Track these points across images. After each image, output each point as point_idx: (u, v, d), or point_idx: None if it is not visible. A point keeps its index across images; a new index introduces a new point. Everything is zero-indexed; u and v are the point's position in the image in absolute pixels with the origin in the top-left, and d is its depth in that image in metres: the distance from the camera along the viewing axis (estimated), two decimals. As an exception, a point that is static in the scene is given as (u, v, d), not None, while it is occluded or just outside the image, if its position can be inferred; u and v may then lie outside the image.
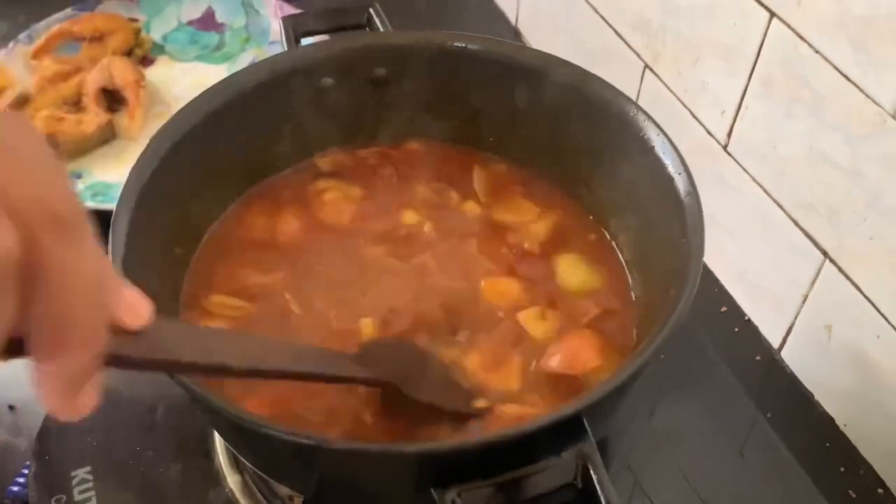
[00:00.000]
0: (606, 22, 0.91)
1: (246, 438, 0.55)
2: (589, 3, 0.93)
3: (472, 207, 0.70)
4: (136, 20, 1.08)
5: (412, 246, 0.67)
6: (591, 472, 0.46)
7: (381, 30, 0.71)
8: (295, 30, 0.70)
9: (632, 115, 0.62)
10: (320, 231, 0.69)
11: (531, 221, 0.69)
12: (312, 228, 0.69)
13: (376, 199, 0.71)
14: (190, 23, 1.09)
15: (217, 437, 0.68)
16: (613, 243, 0.68)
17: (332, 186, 0.71)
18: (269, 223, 0.69)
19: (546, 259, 0.67)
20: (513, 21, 1.12)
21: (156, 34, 1.08)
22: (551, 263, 0.66)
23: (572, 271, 0.66)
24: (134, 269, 0.55)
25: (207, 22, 1.09)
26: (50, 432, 0.68)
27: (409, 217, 0.69)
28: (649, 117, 0.61)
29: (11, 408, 0.76)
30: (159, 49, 1.07)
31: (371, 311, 0.62)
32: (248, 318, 0.62)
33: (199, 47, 1.07)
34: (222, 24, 1.08)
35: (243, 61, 1.03)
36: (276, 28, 1.03)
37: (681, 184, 0.58)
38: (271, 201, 0.70)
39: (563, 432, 0.47)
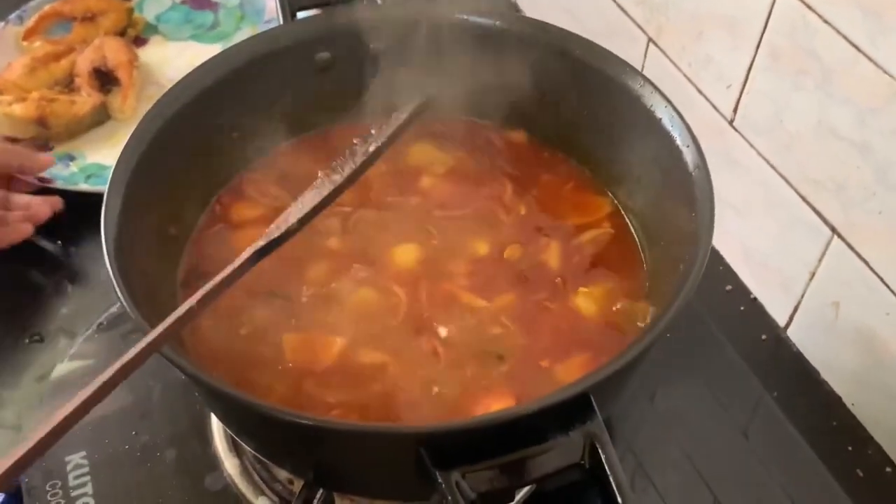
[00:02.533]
0: (608, -5, 0.89)
1: (245, 421, 0.54)
2: (590, -24, 0.91)
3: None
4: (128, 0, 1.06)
5: (428, 211, 0.67)
6: (600, 451, 0.45)
7: (378, 2, 0.70)
8: (290, 4, 0.69)
9: (638, 87, 0.61)
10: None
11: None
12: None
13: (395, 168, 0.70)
14: (183, 2, 1.07)
15: (214, 421, 0.67)
16: (625, 216, 0.67)
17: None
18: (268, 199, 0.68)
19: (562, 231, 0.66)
20: (512, -3, 1.10)
21: (149, 14, 1.06)
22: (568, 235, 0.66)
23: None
24: (127, 249, 0.54)
25: (201, 1, 1.07)
26: (45, 417, 0.67)
27: (426, 184, 0.69)
28: (656, 89, 0.60)
29: (8, 395, 0.74)
30: (152, 29, 1.05)
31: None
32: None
33: (194, 27, 1.05)
34: (216, 3, 1.07)
35: (238, 40, 1.00)
36: (271, 6, 1.01)
37: (689, 156, 0.57)
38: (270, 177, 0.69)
39: (571, 411, 0.46)
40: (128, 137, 0.58)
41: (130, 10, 1.05)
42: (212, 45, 1.02)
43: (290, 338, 0.59)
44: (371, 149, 0.59)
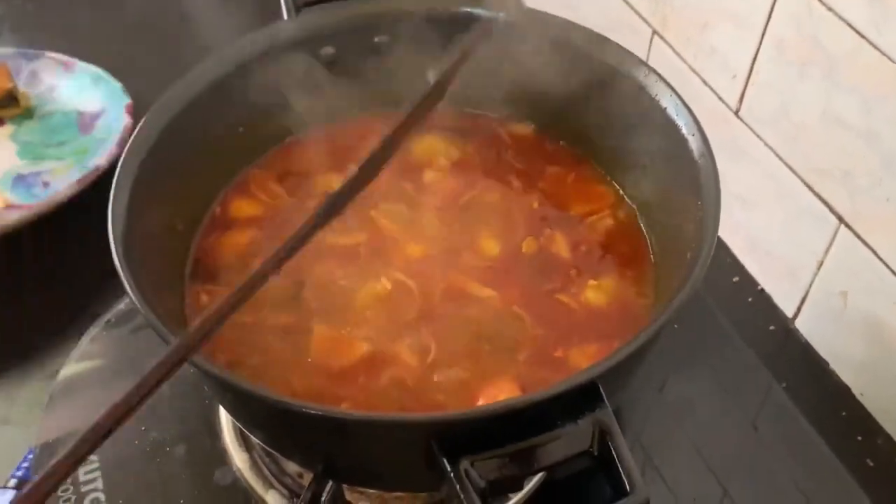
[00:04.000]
0: (612, -12, 0.89)
1: (255, 413, 0.54)
2: (593, -30, 0.91)
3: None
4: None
5: (435, 201, 0.67)
6: (608, 439, 0.45)
7: (384, -5, 0.70)
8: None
9: (643, 76, 0.61)
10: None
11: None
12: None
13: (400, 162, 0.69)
14: None
15: (223, 415, 0.67)
16: (632, 206, 0.67)
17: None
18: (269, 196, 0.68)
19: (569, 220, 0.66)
20: (516, -8, 1.10)
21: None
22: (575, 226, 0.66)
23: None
24: (134, 246, 0.54)
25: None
26: (56, 414, 0.68)
27: (431, 178, 0.69)
28: (661, 78, 0.60)
29: (15, 389, 0.75)
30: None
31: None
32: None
33: None
34: None
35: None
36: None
37: (694, 145, 0.57)
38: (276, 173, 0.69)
39: (579, 400, 0.46)
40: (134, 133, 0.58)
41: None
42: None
43: (318, 336, 0.58)
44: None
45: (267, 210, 0.67)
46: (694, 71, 0.80)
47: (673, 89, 0.60)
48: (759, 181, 0.77)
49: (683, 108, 0.58)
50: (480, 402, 0.55)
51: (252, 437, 0.64)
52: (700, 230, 0.53)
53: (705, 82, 0.80)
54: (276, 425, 0.54)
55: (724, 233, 0.84)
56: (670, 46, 0.83)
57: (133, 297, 0.50)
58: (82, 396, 0.68)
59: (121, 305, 0.73)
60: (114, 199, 0.55)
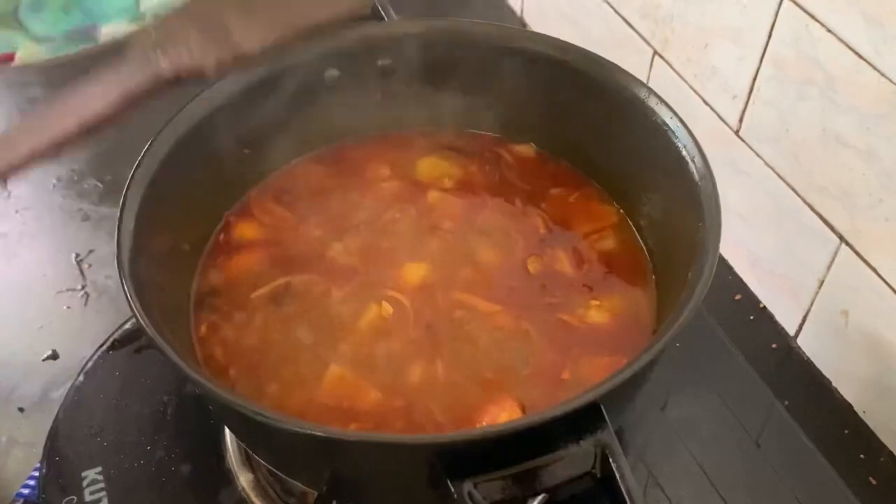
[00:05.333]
0: (613, 8, 0.90)
1: (259, 434, 0.54)
2: (595, -10, 0.92)
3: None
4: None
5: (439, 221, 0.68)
6: (611, 460, 0.45)
7: (387, 19, 0.71)
8: (299, 21, 0.69)
9: (644, 98, 0.62)
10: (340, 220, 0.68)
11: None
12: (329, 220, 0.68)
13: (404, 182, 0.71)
14: None
15: (229, 435, 0.67)
16: (633, 226, 0.67)
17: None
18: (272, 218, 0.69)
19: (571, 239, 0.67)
20: (518, 12, 1.11)
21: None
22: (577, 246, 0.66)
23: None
24: (141, 265, 0.54)
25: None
26: (60, 433, 0.68)
27: (435, 198, 0.69)
28: (661, 100, 0.61)
29: (21, 410, 0.75)
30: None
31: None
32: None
33: None
34: None
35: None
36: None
37: (695, 166, 0.57)
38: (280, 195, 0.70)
39: (581, 421, 0.46)
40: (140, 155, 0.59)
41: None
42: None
43: (332, 377, 0.59)
44: None
45: (270, 233, 0.67)
46: (694, 91, 0.81)
47: (674, 111, 0.60)
48: (759, 200, 0.77)
49: (684, 130, 0.59)
50: (483, 423, 0.55)
51: (257, 457, 0.64)
52: (701, 250, 0.53)
53: (706, 102, 0.80)
54: (280, 446, 0.54)
55: (725, 251, 0.84)
56: (671, 66, 0.83)
57: (138, 317, 0.51)
58: (89, 416, 0.69)
59: (127, 325, 0.73)
60: (121, 220, 0.56)
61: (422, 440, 0.50)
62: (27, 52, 0.52)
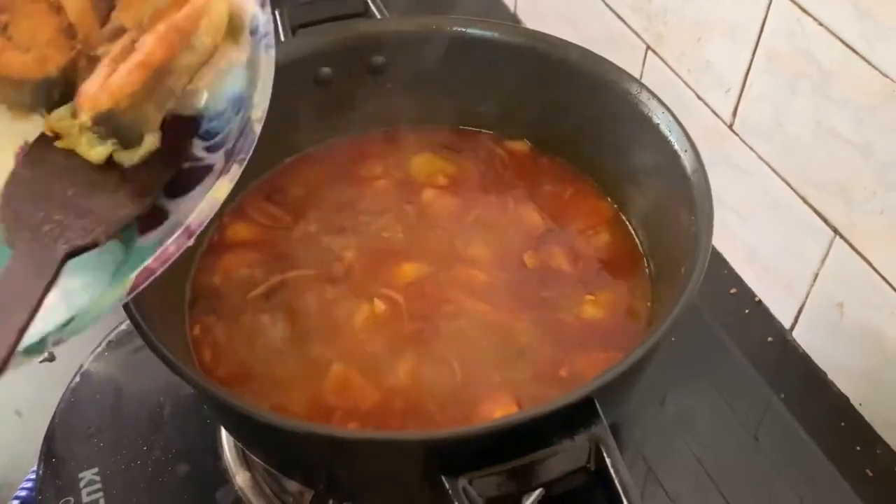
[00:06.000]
0: (606, 3, 0.90)
1: (256, 433, 0.54)
2: (588, -14, 0.92)
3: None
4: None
5: (434, 219, 0.67)
6: (605, 454, 0.45)
7: (378, 17, 0.71)
8: (291, 21, 0.70)
9: (635, 93, 0.62)
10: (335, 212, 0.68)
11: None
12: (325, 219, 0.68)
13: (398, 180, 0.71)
14: None
15: (225, 435, 0.67)
16: (627, 222, 0.67)
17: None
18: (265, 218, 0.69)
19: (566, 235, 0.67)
20: (511, 8, 1.11)
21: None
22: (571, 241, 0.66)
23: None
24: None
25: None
26: (57, 435, 0.68)
27: (429, 195, 0.69)
28: (653, 95, 0.61)
29: (18, 413, 0.75)
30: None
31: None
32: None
33: None
34: None
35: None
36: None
37: (687, 161, 0.57)
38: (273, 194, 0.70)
39: (575, 416, 0.46)
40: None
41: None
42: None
43: (326, 375, 0.58)
44: None
45: (264, 232, 0.67)
46: (688, 85, 0.81)
47: (665, 106, 0.60)
48: (754, 194, 0.77)
49: (675, 125, 0.59)
50: (478, 419, 0.55)
51: (253, 456, 0.64)
52: (694, 244, 0.53)
53: (699, 96, 0.80)
54: (276, 446, 0.55)
55: (721, 245, 0.84)
56: (664, 61, 0.83)
57: (135, 317, 0.51)
58: (85, 417, 0.69)
59: (122, 326, 0.73)
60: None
61: (417, 437, 0.50)
62: None
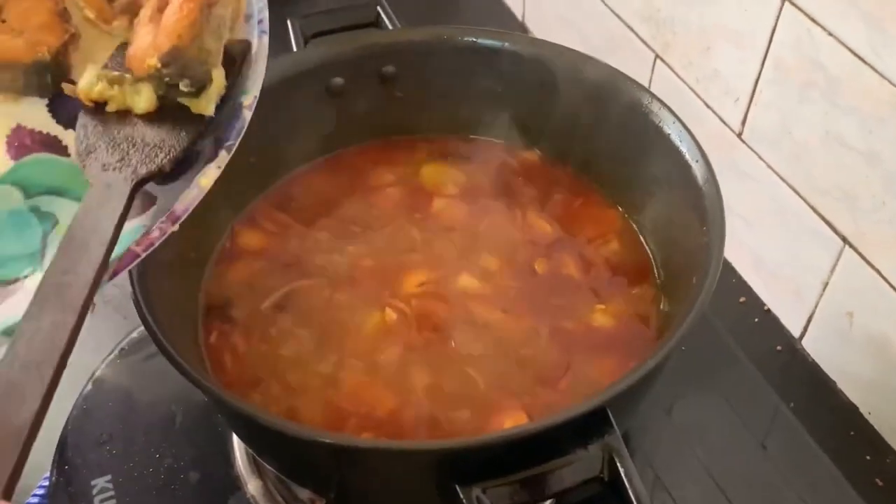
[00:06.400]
0: (614, 13, 0.90)
1: (268, 441, 0.55)
2: (595, -6, 0.92)
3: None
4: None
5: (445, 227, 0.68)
6: (618, 464, 0.45)
7: (390, 27, 0.71)
8: (304, 31, 0.70)
9: (646, 103, 0.62)
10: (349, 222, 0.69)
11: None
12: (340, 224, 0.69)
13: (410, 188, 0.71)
14: None
15: (237, 442, 0.68)
16: (637, 230, 0.67)
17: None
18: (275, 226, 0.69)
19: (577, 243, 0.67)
20: (519, 16, 1.11)
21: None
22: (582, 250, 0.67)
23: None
24: (149, 274, 0.55)
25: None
26: (69, 442, 0.68)
27: (439, 204, 0.70)
28: (664, 105, 0.61)
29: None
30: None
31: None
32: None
33: None
34: None
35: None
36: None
37: (698, 171, 0.57)
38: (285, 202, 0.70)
39: (588, 426, 0.46)
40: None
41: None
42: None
43: (337, 384, 0.59)
44: None
45: (275, 240, 0.68)
46: (696, 94, 0.81)
47: (676, 116, 0.60)
48: (763, 202, 0.78)
49: (687, 135, 0.59)
50: (489, 428, 0.56)
51: (265, 463, 0.64)
52: (705, 254, 0.53)
53: (707, 105, 0.81)
54: (289, 453, 0.55)
55: (729, 253, 0.84)
56: (672, 70, 0.84)
57: (149, 325, 0.51)
58: (98, 424, 0.69)
59: (134, 334, 0.74)
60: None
61: (430, 446, 0.50)
62: None
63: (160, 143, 0.52)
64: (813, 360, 0.78)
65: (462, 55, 0.67)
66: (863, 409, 0.74)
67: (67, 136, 0.55)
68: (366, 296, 0.63)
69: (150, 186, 0.53)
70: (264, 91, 0.65)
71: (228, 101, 0.53)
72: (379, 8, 0.72)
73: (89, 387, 0.72)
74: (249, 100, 0.53)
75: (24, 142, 0.53)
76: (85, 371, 0.74)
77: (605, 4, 0.91)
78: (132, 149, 0.51)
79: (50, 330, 0.43)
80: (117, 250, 0.48)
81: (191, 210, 0.49)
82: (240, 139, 0.52)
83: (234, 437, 0.68)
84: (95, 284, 0.44)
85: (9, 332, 0.45)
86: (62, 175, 0.53)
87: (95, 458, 0.67)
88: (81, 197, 0.49)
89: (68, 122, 0.55)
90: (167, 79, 0.51)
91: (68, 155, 0.54)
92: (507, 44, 0.68)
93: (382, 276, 0.65)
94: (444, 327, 0.61)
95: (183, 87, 0.51)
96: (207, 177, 0.50)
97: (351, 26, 0.72)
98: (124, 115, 0.53)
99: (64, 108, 0.55)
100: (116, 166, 0.50)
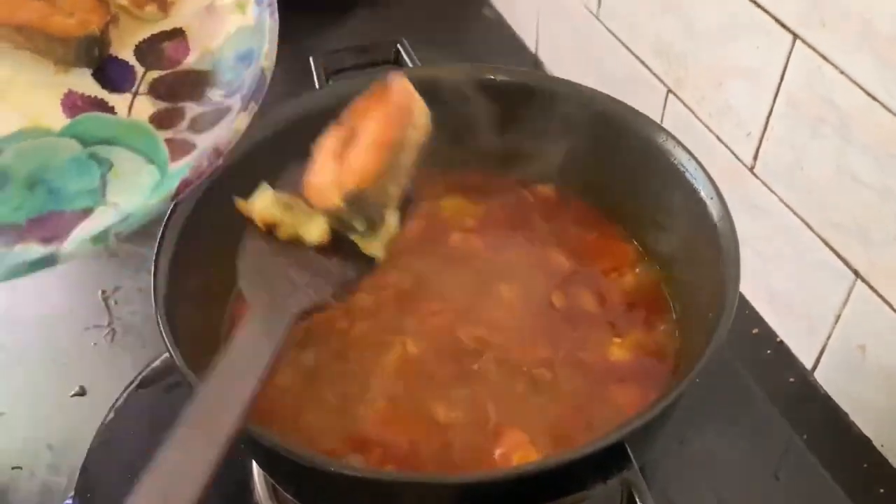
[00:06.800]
0: (627, 47, 0.92)
1: (288, 471, 0.55)
2: (609, 30, 0.94)
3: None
4: None
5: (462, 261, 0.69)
6: (637, 498, 0.46)
7: (409, 64, 0.73)
8: (326, 68, 0.71)
9: (661, 141, 0.63)
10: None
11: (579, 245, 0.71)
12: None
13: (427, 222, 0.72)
14: None
15: (256, 470, 0.68)
16: (653, 264, 0.68)
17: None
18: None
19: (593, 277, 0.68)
20: (533, 49, 1.13)
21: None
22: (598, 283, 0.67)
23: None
24: (173, 304, 0.56)
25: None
26: (90, 470, 0.69)
27: (457, 237, 0.71)
28: (679, 143, 0.62)
29: (49, 447, 0.76)
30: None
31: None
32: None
33: None
34: None
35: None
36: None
37: (713, 208, 0.58)
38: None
39: (607, 461, 0.47)
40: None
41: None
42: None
43: (357, 416, 0.59)
44: None
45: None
46: (709, 128, 0.83)
47: (691, 153, 0.61)
48: (775, 235, 0.78)
49: (702, 172, 0.60)
50: (503, 462, 0.56)
51: (284, 492, 0.65)
52: (721, 291, 0.54)
53: (720, 139, 0.82)
54: (308, 483, 0.55)
55: (742, 285, 0.82)
56: (685, 104, 0.85)
57: (173, 355, 0.52)
58: (119, 452, 0.70)
59: (156, 363, 0.75)
60: (156, 263, 0.57)
61: (449, 480, 0.51)
62: None
63: (326, 276, 0.53)
64: (825, 391, 0.78)
65: (479, 92, 0.68)
66: (875, 442, 0.74)
67: (112, 99, 0.62)
68: (385, 327, 0.64)
69: (190, 135, 0.59)
70: (287, 126, 0.67)
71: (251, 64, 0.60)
72: (399, 46, 0.73)
73: (111, 415, 0.73)
74: (269, 63, 0.60)
75: (76, 104, 0.62)
76: (104, 398, 0.75)
77: (618, 39, 0.93)
78: (298, 278, 0.52)
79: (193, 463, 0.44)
80: (172, 183, 0.55)
81: (230, 147, 0.57)
82: (264, 92, 0.59)
83: (254, 465, 0.68)
84: (244, 413, 0.45)
85: (97, 239, 0.52)
86: (112, 129, 0.61)
87: (118, 483, 0.67)
88: (131, 146, 0.59)
89: (112, 88, 0.63)
90: (343, 215, 0.52)
91: (115, 113, 0.62)
92: (524, 81, 0.69)
93: (401, 308, 0.66)
94: (462, 360, 0.62)
95: (357, 225, 0.53)
96: (241, 122, 0.58)
97: (371, 64, 0.73)
98: (293, 242, 0.54)
99: (106, 76, 0.63)
100: (281, 294, 0.51)
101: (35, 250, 0.52)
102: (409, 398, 0.60)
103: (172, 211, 0.59)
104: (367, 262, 0.54)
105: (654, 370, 0.61)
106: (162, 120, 0.61)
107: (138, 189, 0.56)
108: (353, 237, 0.54)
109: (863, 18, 0.63)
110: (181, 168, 0.56)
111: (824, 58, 0.68)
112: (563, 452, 0.48)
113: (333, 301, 0.52)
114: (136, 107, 0.62)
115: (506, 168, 0.73)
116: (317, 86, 0.71)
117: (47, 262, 0.51)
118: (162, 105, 0.62)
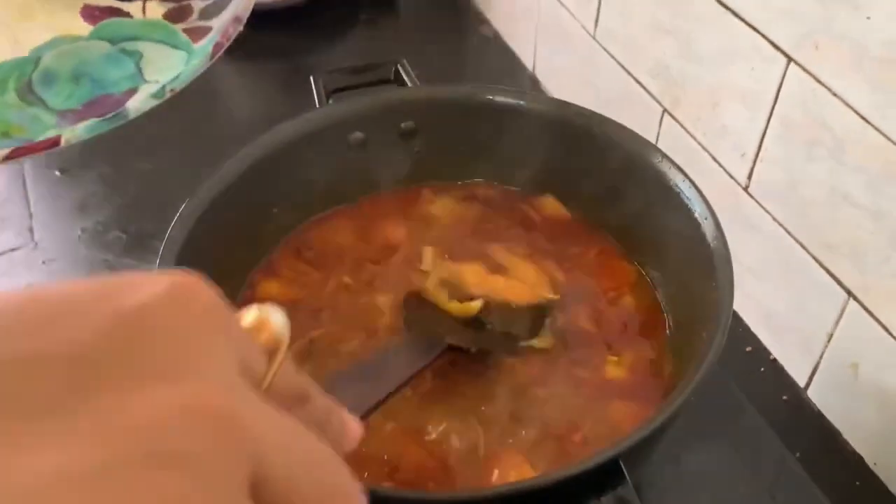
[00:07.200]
0: (624, 68, 0.93)
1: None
2: (606, 50, 0.95)
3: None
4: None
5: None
6: (631, 515, 0.47)
7: (409, 84, 0.74)
8: (325, 87, 0.72)
9: (657, 162, 0.64)
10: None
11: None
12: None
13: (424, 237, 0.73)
14: None
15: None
16: (650, 283, 0.69)
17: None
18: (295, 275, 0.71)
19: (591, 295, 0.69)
20: (530, 68, 1.14)
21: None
22: (595, 301, 0.68)
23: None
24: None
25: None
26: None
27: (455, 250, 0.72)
28: (674, 164, 0.63)
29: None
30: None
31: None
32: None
33: None
34: None
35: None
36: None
37: (707, 229, 0.59)
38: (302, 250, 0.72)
39: (602, 478, 0.48)
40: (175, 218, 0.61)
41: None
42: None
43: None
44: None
45: (294, 288, 0.69)
46: (704, 148, 0.83)
47: (685, 174, 0.62)
48: (769, 254, 0.79)
49: (696, 193, 0.61)
50: (500, 479, 0.57)
51: None
52: (715, 310, 0.55)
53: (715, 159, 0.83)
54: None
55: (736, 303, 0.83)
56: (680, 124, 0.86)
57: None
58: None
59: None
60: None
61: (444, 498, 0.51)
62: (71, 134, 0.59)
63: (470, 335, 0.63)
64: (819, 410, 0.79)
65: (478, 112, 0.70)
66: (868, 460, 0.75)
67: (125, 6, 0.71)
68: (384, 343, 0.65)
69: (202, 22, 0.69)
70: (287, 144, 0.68)
71: None
72: (399, 66, 0.74)
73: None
74: None
75: (95, 13, 0.71)
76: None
77: (616, 60, 0.94)
78: (446, 329, 0.63)
79: None
80: (204, 42, 0.66)
81: (248, 12, 0.66)
82: None
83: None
84: (376, 406, 0.54)
85: (156, 95, 0.62)
86: (133, 28, 0.70)
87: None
88: (153, 39, 0.69)
89: None
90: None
91: (131, 17, 0.71)
92: (521, 102, 0.70)
93: (401, 323, 0.66)
94: (459, 376, 0.63)
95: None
96: None
97: (371, 83, 0.74)
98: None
99: None
100: (433, 333, 0.62)
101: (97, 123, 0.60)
102: (406, 416, 0.60)
103: (176, 223, 0.60)
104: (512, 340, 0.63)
105: (649, 388, 0.62)
106: (174, 17, 0.70)
107: (173, 66, 0.65)
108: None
109: (856, 42, 0.64)
110: (206, 42, 0.66)
111: (818, 80, 0.68)
112: (558, 469, 0.49)
113: (474, 349, 0.61)
114: (148, 9, 0.70)
115: (509, 182, 0.74)
116: (317, 104, 0.72)
117: (117, 118, 0.60)
118: (171, 4, 0.70)
